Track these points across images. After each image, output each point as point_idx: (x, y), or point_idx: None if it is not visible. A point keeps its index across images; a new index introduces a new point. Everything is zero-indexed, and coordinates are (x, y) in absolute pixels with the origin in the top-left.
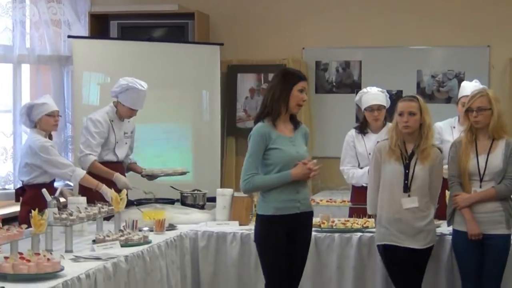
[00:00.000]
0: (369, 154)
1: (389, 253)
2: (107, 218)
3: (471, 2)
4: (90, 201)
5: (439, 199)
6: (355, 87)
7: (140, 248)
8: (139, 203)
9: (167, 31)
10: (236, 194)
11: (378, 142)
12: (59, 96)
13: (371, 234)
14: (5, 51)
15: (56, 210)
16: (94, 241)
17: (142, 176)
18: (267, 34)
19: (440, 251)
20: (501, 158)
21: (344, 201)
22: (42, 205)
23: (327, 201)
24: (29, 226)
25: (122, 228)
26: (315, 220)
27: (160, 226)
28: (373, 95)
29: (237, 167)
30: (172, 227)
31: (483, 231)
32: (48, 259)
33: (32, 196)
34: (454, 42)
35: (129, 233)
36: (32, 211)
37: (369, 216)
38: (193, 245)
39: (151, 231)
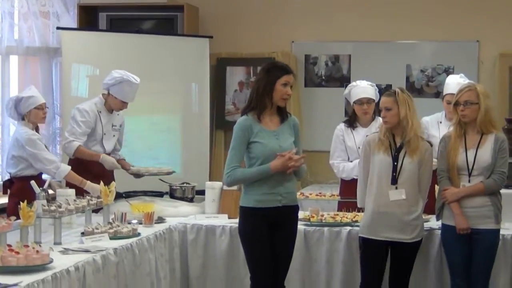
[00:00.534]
0: (359, 148)
1: (371, 246)
2: (95, 211)
3: None
4: (79, 193)
5: (429, 193)
6: (344, 81)
7: (129, 240)
8: (127, 195)
9: (156, 24)
10: (225, 187)
11: (367, 136)
12: (48, 88)
13: None
14: None
15: (45, 202)
16: (83, 234)
17: (129, 173)
18: (256, 28)
19: (429, 245)
20: (490, 153)
21: (334, 195)
22: (30, 197)
23: (317, 195)
24: (18, 218)
25: (111, 220)
26: (305, 214)
27: (149, 219)
28: (362, 88)
29: (225, 160)
30: (161, 220)
31: (471, 226)
32: (37, 251)
33: (20, 188)
34: (443, 37)
35: (118, 226)
36: (21, 203)
37: (359, 210)
38: (182, 238)
39: (140, 223)
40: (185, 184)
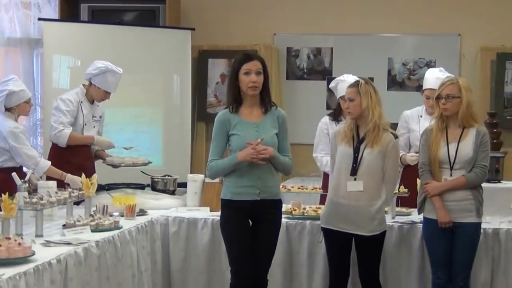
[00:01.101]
0: None
1: (330, 237)
2: (77, 203)
3: None
4: (60, 186)
5: (411, 187)
6: (326, 74)
7: (111, 233)
8: (109, 188)
9: (138, 15)
10: (207, 180)
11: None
12: (29, 79)
13: None
14: None
15: (26, 194)
16: (64, 226)
17: (107, 164)
18: (238, 20)
19: (411, 239)
20: (471, 147)
21: (316, 188)
22: (12, 189)
23: (298, 188)
24: None
25: (92, 213)
26: (287, 207)
27: (131, 211)
28: (349, 83)
29: (207, 153)
30: (142, 212)
31: (453, 219)
32: (19, 244)
33: (1, 179)
34: (425, 30)
35: (100, 218)
36: (2, 195)
37: None
38: (164, 231)
39: (122, 216)
40: (166, 177)
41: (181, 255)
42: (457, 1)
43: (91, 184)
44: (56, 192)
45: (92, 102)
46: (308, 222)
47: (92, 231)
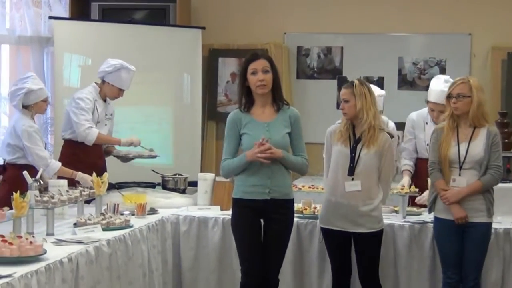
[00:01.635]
0: None
1: (330, 236)
2: (87, 201)
3: None
4: (71, 184)
5: (421, 187)
6: (337, 73)
7: (122, 232)
8: (120, 186)
9: (148, 14)
10: (217, 179)
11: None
12: (39, 77)
13: None
14: None
15: (37, 192)
16: (75, 225)
17: (114, 156)
18: (249, 19)
19: (422, 238)
20: (482, 147)
21: None
22: (23, 186)
23: (309, 187)
24: (10, 207)
25: (103, 211)
26: (297, 206)
27: (142, 210)
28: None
29: (217, 152)
30: (153, 211)
31: None
32: (31, 242)
33: (13, 176)
34: (435, 29)
35: (111, 217)
36: (14, 193)
37: None
38: (175, 230)
39: (133, 215)
40: (177, 176)
41: (192, 254)
42: (467, 1)
43: (102, 182)
44: (67, 191)
45: (104, 100)
46: (318, 221)
47: (103, 229)
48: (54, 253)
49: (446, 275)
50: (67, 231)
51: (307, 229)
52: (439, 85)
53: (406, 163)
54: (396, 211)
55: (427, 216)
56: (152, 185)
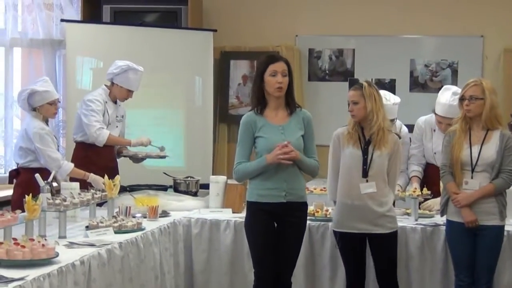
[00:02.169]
0: None
1: (344, 239)
2: (99, 204)
3: None
4: (83, 187)
5: (435, 190)
6: (348, 75)
7: (134, 234)
8: (132, 189)
9: (160, 16)
10: (229, 181)
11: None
12: (51, 80)
13: None
14: None
15: (49, 195)
16: (87, 227)
17: (124, 157)
18: (260, 21)
19: (434, 241)
20: (494, 149)
21: None
22: (35, 189)
23: (321, 190)
24: (23, 210)
25: (115, 214)
26: (309, 208)
27: (154, 212)
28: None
29: (229, 154)
30: (165, 214)
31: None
32: (43, 245)
33: (26, 179)
34: (447, 31)
35: (123, 220)
36: (26, 196)
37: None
38: (187, 232)
39: (145, 217)
40: (189, 178)
41: (204, 256)
42: (479, 3)
43: (114, 185)
44: (79, 194)
45: (115, 102)
46: (330, 224)
47: (115, 232)
48: (66, 256)
49: (459, 278)
50: (79, 234)
51: (319, 232)
52: (447, 99)
53: (415, 169)
54: (408, 214)
55: (439, 219)
56: (164, 188)
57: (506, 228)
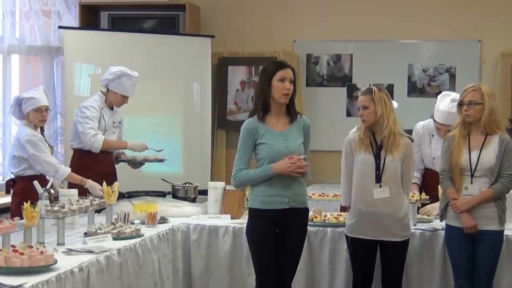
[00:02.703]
0: None
1: (359, 246)
2: (97, 211)
3: None
4: (81, 194)
5: (433, 195)
6: (346, 80)
7: (132, 241)
8: (130, 195)
9: (158, 23)
10: (227, 187)
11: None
12: (49, 87)
13: None
14: None
15: (47, 202)
16: (86, 234)
17: (122, 162)
18: (258, 27)
19: (433, 246)
20: (493, 154)
21: (336, 195)
22: (33, 197)
23: (319, 195)
24: (21, 217)
25: (113, 221)
26: None
27: (152, 219)
28: None
29: (227, 160)
30: (163, 220)
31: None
32: (41, 252)
33: (23, 187)
34: (445, 36)
35: (121, 226)
36: (24, 203)
37: (343, 209)
38: (185, 239)
39: (143, 224)
40: (187, 184)
41: (202, 262)
42: (477, 7)
43: (112, 192)
44: (78, 200)
45: (111, 108)
46: (329, 229)
47: (114, 239)
48: (65, 262)
49: (458, 283)
50: (77, 241)
51: (317, 237)
52: (447, 106)
53: (414, 175)
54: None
55: (438, 224)
56: (162, 194)
57: (505, 232)
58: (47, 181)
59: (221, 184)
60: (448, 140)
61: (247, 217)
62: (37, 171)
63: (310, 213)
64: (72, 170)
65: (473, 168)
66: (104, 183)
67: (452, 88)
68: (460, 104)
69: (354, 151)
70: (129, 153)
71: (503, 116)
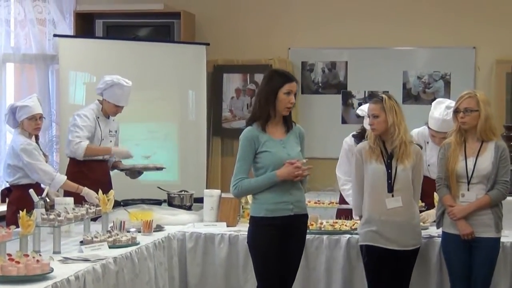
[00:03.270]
0: None
1: (373, 254)
2: (93, 219)
3: (457, 3)
4: (77, 202)
5: (428, 202)
6: (341, 87)
7: (129, 249)
8: (126, 204)
9: (152, 31)
10: (223, 195)
11: (358, 144)
12: (44, 95)
13: None
14: None
15: (43, 210)
16: (82, 242)
17: (120, 170)
18: (253, 34)
19: (429, 253)
20: (490, 161)
21: (332, 202)
22: (28, 205)
23: (315, 203)
24: (17, 226)
25: (109, 229)
26: None
27: (148, 227)
28: None
29: (222, 168)
30: (159, 228)
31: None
32: (38, 261)
33: (18, 196)
34: (439, 43)
35: (117, 234)
36: (20, 211)
37: (344, 216)
38: (181, 246)
39: (139, 232)
40: (183, 192)
41: (198, 270)
42: (471, 14)
43: (108, 200)
44: (73, 209)
45: (108, 116)
46: (325, 237)
47: (110, 247)
48: (61, 271)
49: None
50: (73, 249)
51: (313, 245)
52: (441, 113)
53: None
54: None
55: (434, 231)
56: (158, 202)
57: (502, 240)
58: (43, 190)
59: (216, 192)
60: (444, 147)
61: (243, 224)
62: (33, 180)
63: None
64: (68, 179)
65: (469, 175)
66: (100, 191)
67: (447, 95)
68: (456, 112)
69: (365, 160)
70: (127, 162)
71: (498, 123)
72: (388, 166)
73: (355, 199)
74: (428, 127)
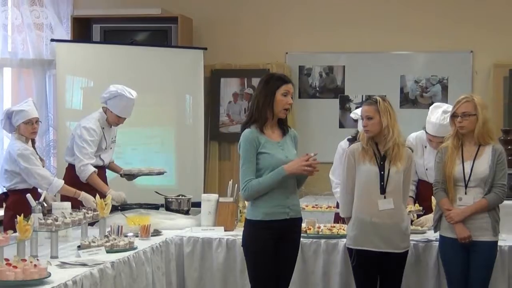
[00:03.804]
0: None
1: (364, 258)
2: (91, 224)
3: (454, 7)
4: (74, 206)
5: (426, 205)
6: (339, 92)
7: (126, 254)
8: (123, 208)
9: (150, 35)
10: (221, 199)
11: (350, 145)
12: (42, 100)
13: None
14: None
15: (41, 215)
16: (79, 247)
17: (121, 176)
18: (250, 39)
19: (427, 257)
20: (487, 164)
21: (330, 206)
22: (25, 210)
23: (313, 207)
24: (14, 231)
25: (107, 233)
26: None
27: (145, 231)
28: None
29: (220, 172)
30: (157, 232)
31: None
32: (35, 266)
33: (15, 201)
34: (437, 47)
35: (115, 239)
36: (17, 216)
37: (342, 221)
38: (179, 251)
39: (136, 236)
40: (180, 197)
41: (196, 275)
42: (469, 18)
43: (106, 204)
44: (71, 213)
45: (111, 126)
46: (323, 241)
47: (107, 252)
48: (59, 276)
49: None
50: (71, 254)
51: (311, 249)
52: (438, 118)
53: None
54: None
55: (432, 235)
56: (155, 207)
57: (499, 243)
58: (40, 194)
59: (214, 196)
60: (441, 151)
61: (240, 229)
62: (30, 185)
63: (304, 225)
64: (65, 183)
65: (466, 178)
66: (98, 196)
67: (445, 99)
68: (454, 116)
69: (357, 161)
70: (127, 167)
71: (496, 127)
72: (381, 168)
73: (344, 199)
74: (426, 132)
